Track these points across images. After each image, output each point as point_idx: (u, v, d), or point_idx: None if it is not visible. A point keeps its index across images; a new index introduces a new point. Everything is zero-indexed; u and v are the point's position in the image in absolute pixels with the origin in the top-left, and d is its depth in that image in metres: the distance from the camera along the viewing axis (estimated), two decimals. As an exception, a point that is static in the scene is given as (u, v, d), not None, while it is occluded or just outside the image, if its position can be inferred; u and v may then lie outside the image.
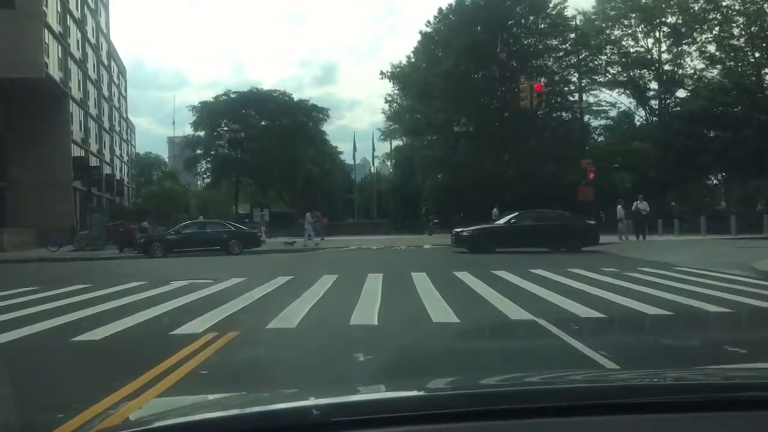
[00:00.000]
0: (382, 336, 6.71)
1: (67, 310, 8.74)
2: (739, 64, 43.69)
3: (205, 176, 63.35)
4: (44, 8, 34.78)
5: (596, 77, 45.56)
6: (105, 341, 6.52)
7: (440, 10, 47.72)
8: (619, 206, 27.17)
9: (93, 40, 50.80)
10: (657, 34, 44.94)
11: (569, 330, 6.68)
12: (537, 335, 6.68)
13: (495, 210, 30.01)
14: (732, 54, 43.50)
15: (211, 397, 2.88)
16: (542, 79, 36.26)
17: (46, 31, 35.29)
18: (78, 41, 45.01)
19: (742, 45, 43.39)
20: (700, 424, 1.25)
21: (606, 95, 46.55)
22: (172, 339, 6.53)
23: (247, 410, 1.52)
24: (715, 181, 45.88)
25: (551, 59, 46.37)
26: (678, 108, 43.20)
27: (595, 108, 45.19)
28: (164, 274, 14.98)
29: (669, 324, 7.47)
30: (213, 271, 15.31)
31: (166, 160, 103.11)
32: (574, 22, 40.11)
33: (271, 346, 6.19)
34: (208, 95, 57.52)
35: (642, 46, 45.68)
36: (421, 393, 1.61)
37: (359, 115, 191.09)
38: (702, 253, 17.88)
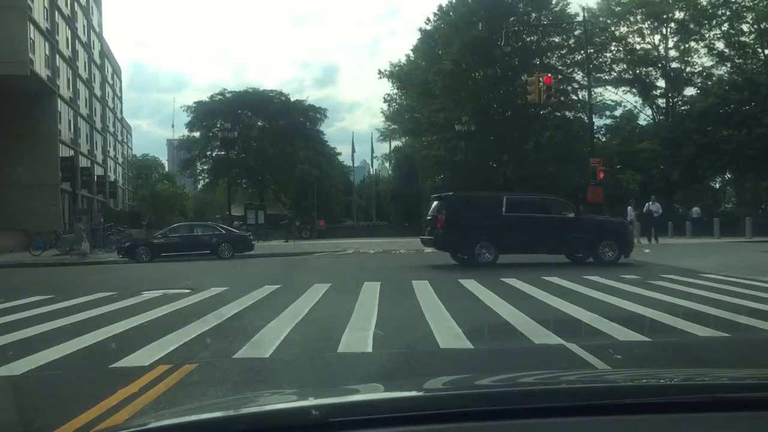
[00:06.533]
0: (375, 368, 5.35)
1: (5, 330, 7.39)
2: (749, 61, 42.42)
3: (200, 178, 62.16)
4: (29, 2, 33.48)
5: (601, 75, 44.28)
6: (25, 377, 5.15)
7: (440, 7, 46.58)
8: (629, 207, 25.89)
9: (84, 38, 49.50)
10: (664, 31, 43.60)
11: (609, 359, 5.38)
12: (569, 365, 5.35)
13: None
14: (741, 51, 42.23)
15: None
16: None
17: (31, 26, 34.01)
18: (67, 39, 43.69)
19: (752, 42, 42.13)
20: (694, 425, 1.24)
21: (611, 93, 45.32)
22: (110, 375, 5.19)
23: (246, 410, 1.52)
24: (718, 183, 44.53)
25: (554, 57, 45.14)
26: (687, 106, 41.85)
27: (603, 104, 43.88)
28: (140, 282, 13.67)
29: (728, 350, 6.11)
30: (195, 279, 14.00)
31: (165, 162, 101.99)
32: (580, 18, 38.80)
33: (232, 384, 4.83)
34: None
35: (648, 43, 44.35)
36: (419, 393, 1.62)
37: (359, 117, 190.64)
38: (725, 258, 16.62)
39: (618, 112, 45.79)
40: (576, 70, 43.74)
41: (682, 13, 42.43)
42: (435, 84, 43.46)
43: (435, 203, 17.45)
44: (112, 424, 1.46)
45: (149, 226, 29.57)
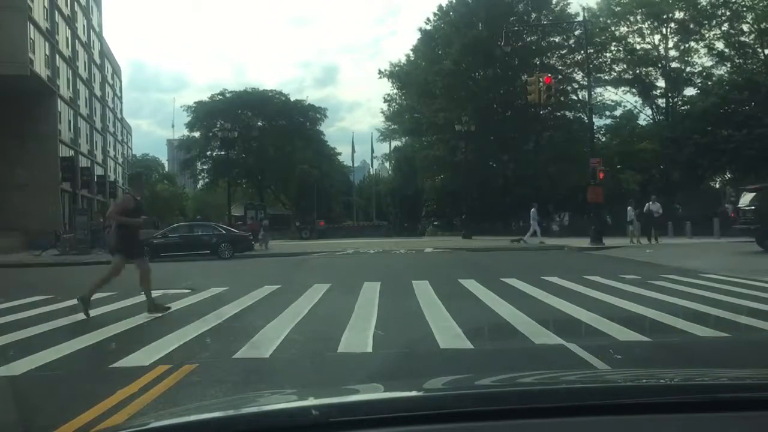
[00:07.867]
0: (375, 368, 5.35)
1: (5, 330, 7.39)
2: (749, 61, 42.39)
3: (200, 178, 62.18)
4: (29, 2, 33.50)
5: (601, 75, 44.27)
6: (25, 377, 5.15)
7: (440, 7, 46.69)
8: (629, 207, 25.89)
9: (84, 39, 49.53)
10: (664, 31, 43.57)
11: (609, 359, 5.38)
12: (569, 365, 5.34)
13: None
14: (741, 51, 42.20)
15: None
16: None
17: (31, 26, 34.04)
18: (67, 39, 43.72)
19: (752, 42, 42.10)
20: (694, 425, 1.24)
21: (611, 93, 45.32)
22: (110, 375, 5.19)
23: (246, 410, 1.52)
24: (718, 183, 44.48)
25: (554, 57, 45.18)
26: (687, 106, 41.82)
27: (603, 104, 43.85)
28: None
29: (728, 350, 6.10)
30: (195, 279, 14.00)
31: (165, 162, 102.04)
32: (580, 18, 38.79)
33: (232, 384, 4.82)
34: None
35: (648, 43, 44.34)
36: (419, 393, 1.61)
37: (360, 117, 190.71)
38: (725, 258, 16.60)
39: (618, 112, 45.85)
40: (576, 70, 43.80)
41: (682, 13, 42.40)
42: (435, 84, 43.49)
43: (751, 195, 18.89)
44: (112, 424, 1.45)
45: (101, 230, 24.97)
